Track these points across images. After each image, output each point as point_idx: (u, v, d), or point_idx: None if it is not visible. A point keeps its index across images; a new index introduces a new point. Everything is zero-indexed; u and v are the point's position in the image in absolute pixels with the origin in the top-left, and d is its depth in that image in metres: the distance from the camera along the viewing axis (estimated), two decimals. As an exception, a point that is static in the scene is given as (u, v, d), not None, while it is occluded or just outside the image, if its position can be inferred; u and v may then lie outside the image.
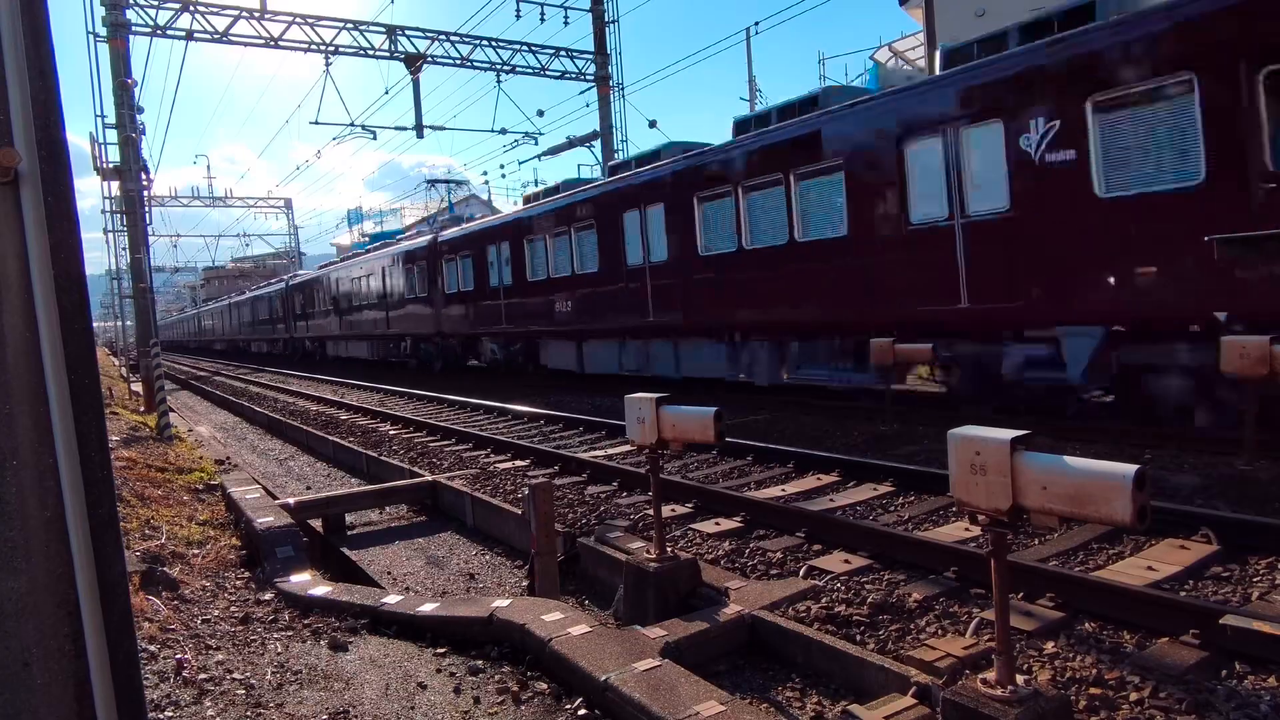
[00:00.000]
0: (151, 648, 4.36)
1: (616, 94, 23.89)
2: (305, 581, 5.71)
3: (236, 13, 19.16)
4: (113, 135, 15.86)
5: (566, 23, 22.65)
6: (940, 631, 4.04)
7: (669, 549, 4.98)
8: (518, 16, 21.76)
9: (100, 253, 34.59)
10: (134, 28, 17.19)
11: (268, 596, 5.54)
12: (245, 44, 19.68)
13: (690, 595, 4.72)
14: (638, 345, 15.20)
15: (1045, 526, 5.09)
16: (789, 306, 11.68)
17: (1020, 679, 3.00)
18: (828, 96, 11.55)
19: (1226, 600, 4.15)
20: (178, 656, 4.25)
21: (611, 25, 23.56)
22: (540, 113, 24.69)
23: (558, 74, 23.44)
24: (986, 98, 8.99)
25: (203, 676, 4.04)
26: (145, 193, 17.66)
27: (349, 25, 20.83)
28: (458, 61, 22.10)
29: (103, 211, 27.65)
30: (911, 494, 6.64)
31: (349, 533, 7.71)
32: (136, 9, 17.44)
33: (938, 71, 9.92)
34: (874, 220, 10.33)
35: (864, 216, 10.47)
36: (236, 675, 4.08)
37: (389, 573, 6.45)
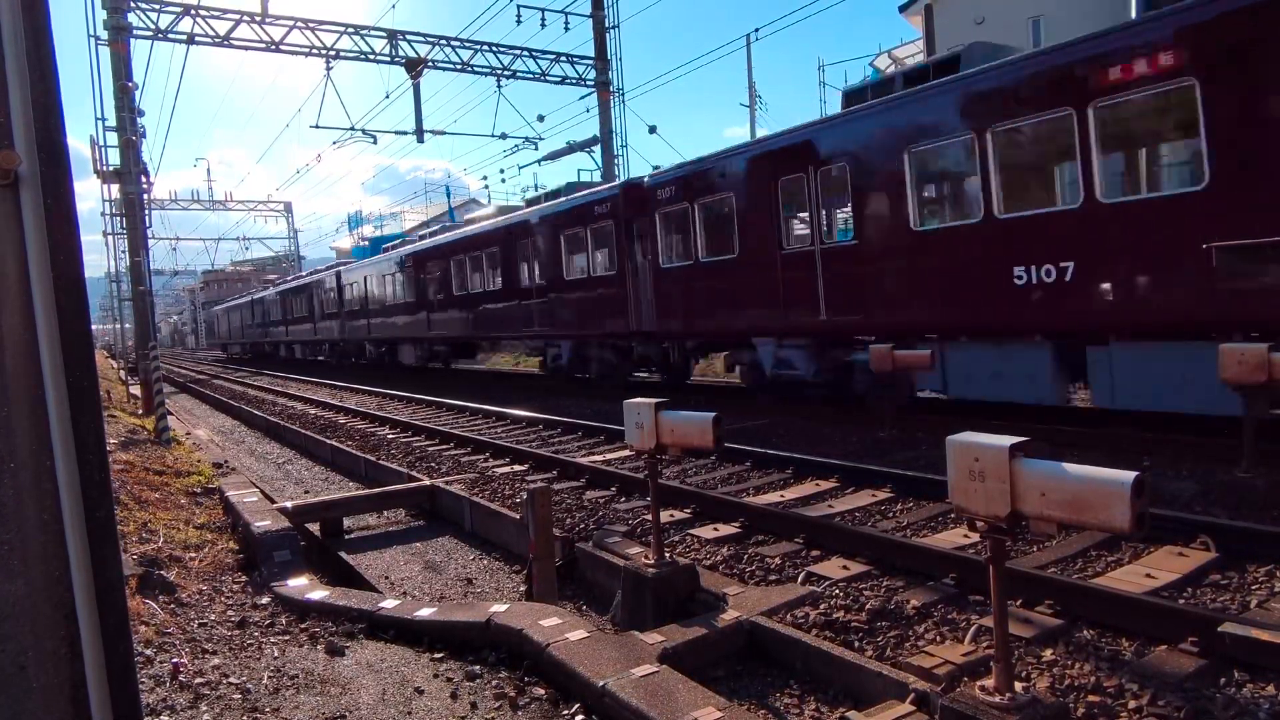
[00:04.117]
0: (148, 651, 4.34)
1: (617, 99, 23.94)
2: (302, 585, 5.70)
3: (238, 16, 19.19)
4: (113, 138, 15.86)
5: (567, 28, 22.69)
6: (939, 638, 4.03)
7: (667, 554, 4.98)
8: (518, 21, 21.81)
9: (99, 255, 34.63)
10: (135, 31, 17.20)
11: (265, 600, 5.53)
12: (246, 48, 19.70)
13: (688, 601, 4.72)
14: None
15: (1044, 533, 5.08)
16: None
17: (1019, 686, 3.00)
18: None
19: (1225, 608, 4.14)
20: (174, 660, 4.24)
21: (612, 31, 23.62)
22: (540, 118, 24.79)
23: (558, 79, 23.48)
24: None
25: (199, 680, 4.03)
26: (145, 195, 17.65)
27: (350, 30, 20.87)
28: (458, 66, 22.14)
29: (102, 214, 27.70)
30: (910, 500, 6.63)
31: (347, 537, 7.70)
32: (138, 12, 17.47)
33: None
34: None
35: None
36: (233, 679, 4.07)
37: (386, 577, 6.44)
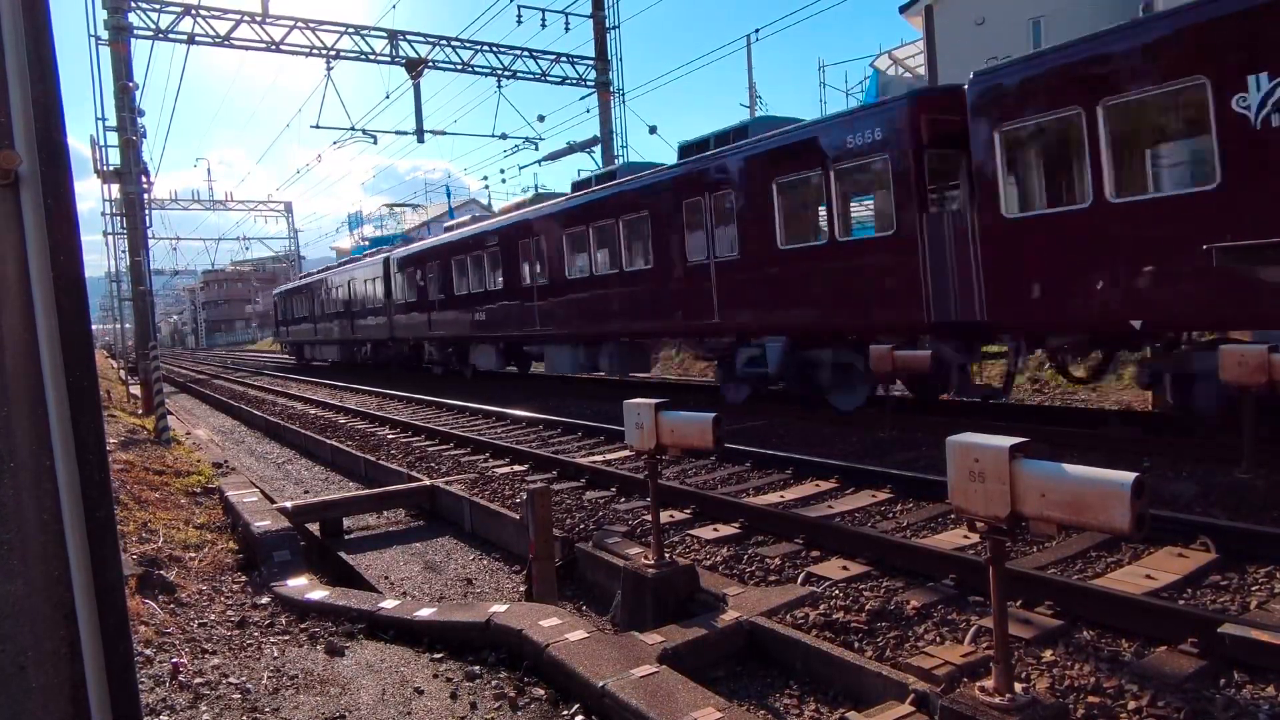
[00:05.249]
0: (148, 651, 4.34)
1: (617, 100, 23.97)
2: (302, 585, 5.69)
3: (238, 16, 19.21)
4: (113, 138, 15.87)
5: (568, 29, 22.71)
6: (939, 639, 4.03)
7: (667, 555, 4.98)
8: (519, 22, 21.84)
9: (100, 255, 34.62)
10: (135, 31, 17.22)
11: (264, 600, 5.53)
12: (246, 48, 19.72)
13: (688, 601, 4.72)
14: None
15: (1044, 534, 5.08)
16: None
17: (1018, 687, 3.00)
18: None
19: (1225, 609, 4.14)
20: (174, 660, 4.24)
21: (612, 31, 23.64)
22: (541, 118, 24.82)
23: (558, 79, 23.50)
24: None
25: (199, 680, 4.03)
26: (145, 195, 17.66)
27: (350, 30, 20.88)
28: (459, 66, 22.15)
29: (102, 214, 27.72)
30: (910, 501, 6.63)
31: (346, 537, 7.71)
32: (138, 12, 17.48)
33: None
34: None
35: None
36: (232, 679, 4.07)
37: (386, 577, 6.44)
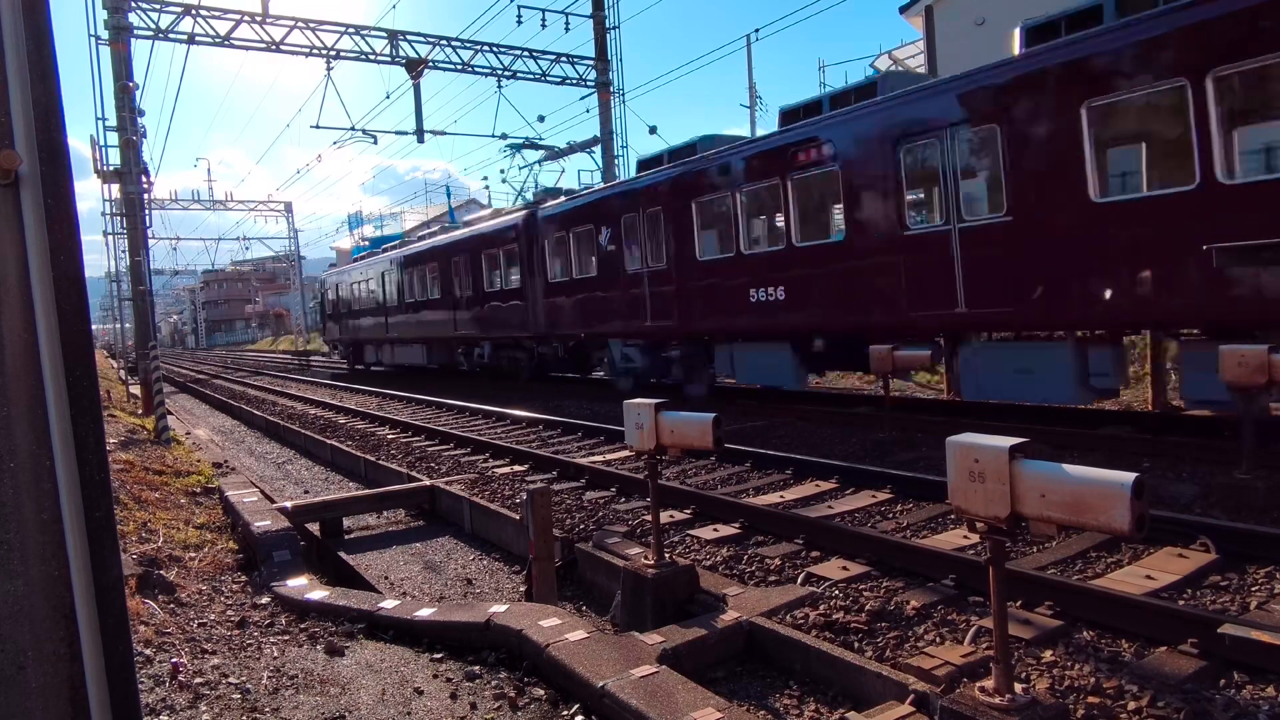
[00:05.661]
0: (147, 651, 4.34)
1: (617, 100, 23.96)
2: (302, 586, 5.69)
3: (238, 17, 19.20)
4: (113, 138, 15.86)
5: (568, 29, 22.70)
6: (938, 639, 4.03)
7: (667, 555, 4.98)
8: (519, 22, 21.84)
9: (100, 255, 34.60)
10: (136, 31, 17.20)
11: (264, 600, 5.53)
12: (247, 48, 19.70)
13: (688, 601, 4.72)
14: None
15: (1044, 534, 5.08)
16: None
17: (1018, 687, 3.00)
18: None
19: (1225, 609, 4.14)
20: (173, 660, 4.24)
21: (612, 31, 23.64)
22: (541, 118, 24.79)
23: (558, 80, 23.49)
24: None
25: (198, 680, 4.03)
26: (145, 195, 17.64)
27: (350, 30, 20.87)
28: (459, 67, 22.14)
29: (102, 214, 27.73)
30: (910, 501, 6.63)
31: (346, 537, 7.71)
32: (138, 12, 17.47)
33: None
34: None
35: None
36: (232, 679, 4.07)
37: (386, 577, 6.44)
